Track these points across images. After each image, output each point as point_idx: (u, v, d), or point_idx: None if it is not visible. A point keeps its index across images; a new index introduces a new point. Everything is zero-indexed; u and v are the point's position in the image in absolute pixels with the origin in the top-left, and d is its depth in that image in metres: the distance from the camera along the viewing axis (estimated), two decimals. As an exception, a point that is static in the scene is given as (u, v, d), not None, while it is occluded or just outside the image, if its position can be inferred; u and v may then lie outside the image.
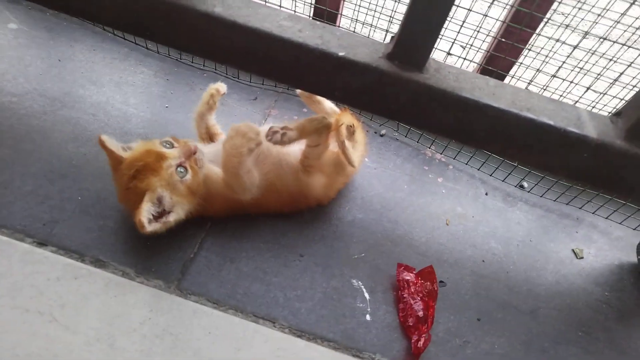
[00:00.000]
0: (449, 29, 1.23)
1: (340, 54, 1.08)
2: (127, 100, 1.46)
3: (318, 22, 1.14)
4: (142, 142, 1.12)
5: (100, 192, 1.22)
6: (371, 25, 1.40)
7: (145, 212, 1.02)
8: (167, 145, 1.11)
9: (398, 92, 1.11)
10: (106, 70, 1.53)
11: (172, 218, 1.07)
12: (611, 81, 1.25)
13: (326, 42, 1.09)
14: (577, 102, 1.21)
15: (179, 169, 1.07)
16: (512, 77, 1.36)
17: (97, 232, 1.16)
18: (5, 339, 0.95)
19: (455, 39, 1.25)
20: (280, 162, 1.23)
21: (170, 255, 1.16)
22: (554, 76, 1.27)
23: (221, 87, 1.30)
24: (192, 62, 1.65)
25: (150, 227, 1.02)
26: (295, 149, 1.25)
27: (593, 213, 1.55)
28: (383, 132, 1.63)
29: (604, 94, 1.28)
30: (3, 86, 1.38)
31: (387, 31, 1.36)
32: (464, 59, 1.36)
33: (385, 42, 1.17)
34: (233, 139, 1.11)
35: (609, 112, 1.15)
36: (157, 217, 1.05)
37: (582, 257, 1.45)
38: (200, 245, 1.20)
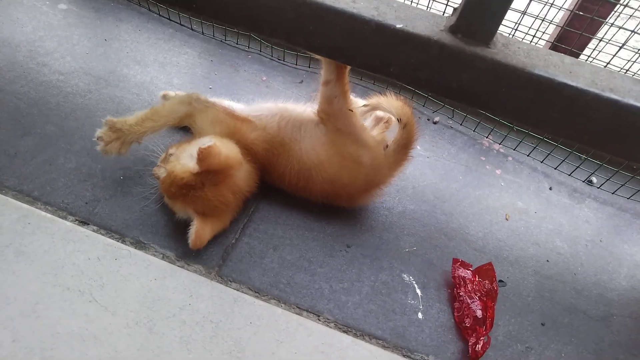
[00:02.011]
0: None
1: (398, 26, 0.99)
2: (170, 80, 1.43)
3: (373, -7, 1.05)
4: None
5: (142, 173, 1.18)
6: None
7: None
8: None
9: (461, 69, 1.01)
10: (151, 51, 1.50)
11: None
12: None
13: (382, 14, 1.00)
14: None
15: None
16: (589, 56, 1.22)
17: (138, 212, 1.12)
18: (46, 316, 0.93)
19: (524, 11, 1.12)
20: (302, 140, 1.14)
21: (211, 240, 1.10)
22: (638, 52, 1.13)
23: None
24: (237, 44, 1.60)
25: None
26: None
27: (674, 213, 1.39)
28: (436, 119, 1.52)
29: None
30: (51, 64, 1.38)
31: (446, 4, 1.26)
32: (533, 36, 1.24)
33: (446, 15, 1.07)
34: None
35: None
36: None
37: (661, 262, 1.29)
38: (242, 231, 1.14)
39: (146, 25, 1.58)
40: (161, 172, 1.05)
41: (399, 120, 1.15)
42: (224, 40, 1.60)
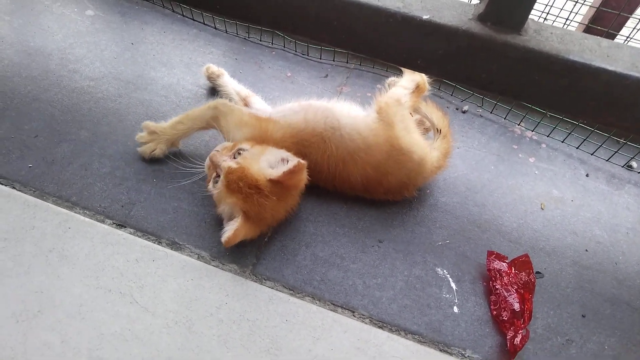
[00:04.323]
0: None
1: (425, 17, 0.97)
2: (197, 81, 1.44)
3: (398, -15, 1.03)
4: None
5: (174, 174, 1.20)
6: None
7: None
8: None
9: (491, 59, 0.98)
10: (176, 52, 1.52)
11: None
12: None
13: (408, 5, 0.98)
14: None
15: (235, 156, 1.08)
16: (628, 37, 1.17)
17: (172, 214, 1.14)
18: (91, 317, 0.96)
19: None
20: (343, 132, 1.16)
21: (244, 240, 1.11)
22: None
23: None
24: (260, 40, 1.60)
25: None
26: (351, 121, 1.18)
27: None
28: (465, 108, 1.49)
29: None
30: (82, 71, 1.41)
31: (475, -9, 1.21)
32: (566, 19, 1.19)
33: (473, 2, 1.04)
34: None
35: None
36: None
37: None
38: (274, 229, 1.15)
39: (171, 27, 1.60)
40: (223, 159, 1.05)
41: (438, 130, 1.25)
42: (247, 38, 1.61)
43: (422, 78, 1.26)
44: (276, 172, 1.02)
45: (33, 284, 0.99)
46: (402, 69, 1.31)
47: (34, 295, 0.97)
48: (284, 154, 1.08)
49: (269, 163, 1.06)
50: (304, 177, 1.08)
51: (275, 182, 1.03)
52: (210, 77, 1.40)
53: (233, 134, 1.16)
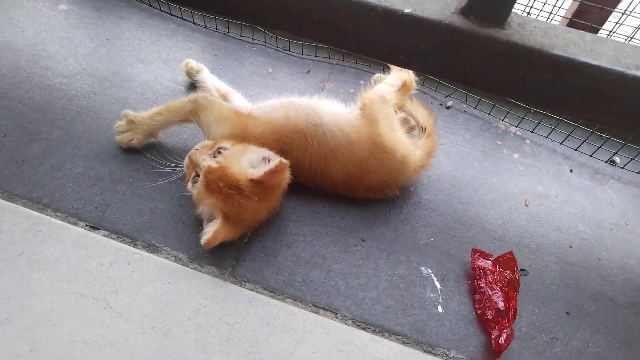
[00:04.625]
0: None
1: (406, 10, 0.95)
2: (175, 77, 1.40)
3: (379, -22, 1.00)
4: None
5: (151, 174, 1.17)
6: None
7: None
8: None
9: (474, 52, 0.96)
10: (154, 48, 1.47)
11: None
12: None
13: (390, -1, 0.96)
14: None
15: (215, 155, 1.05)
16: (611, 32, 1.16)
17: (148, 214, 1.11)
18: (62, 324, 0.93)
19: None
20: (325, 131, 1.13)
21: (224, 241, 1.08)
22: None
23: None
24: (241, 36, 1.56)
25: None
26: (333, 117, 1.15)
27: (703, 191, 1.33)
28: (449, 103, 1.47)
29: None
30: (54, 67, 1.36)
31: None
32: (550, 13, 1.17)
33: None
34: None
35: None
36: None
37: (692, 243, 1.24)
38: (254, 229, 1.12)
39: (148, 22, 1.55)
40: (203, 158, 1.02)
41: (423, 129, 1.23)
42: (227, 33, 1.57)
43: (409, 76, 1.23)
44: (258, 171, 1.00)
45: (0, 290, 0.94)
46: (390, 65, 1.29)
47: (2, 302, 0.93)
48: (265, 152, 1.05)
49: (251, 162, 1.03)
50: (286, 177, 1.05)
51: (256, 182, 1.00)
52: (190, 73, 1.37)
53: (212, 129, 1.13)
